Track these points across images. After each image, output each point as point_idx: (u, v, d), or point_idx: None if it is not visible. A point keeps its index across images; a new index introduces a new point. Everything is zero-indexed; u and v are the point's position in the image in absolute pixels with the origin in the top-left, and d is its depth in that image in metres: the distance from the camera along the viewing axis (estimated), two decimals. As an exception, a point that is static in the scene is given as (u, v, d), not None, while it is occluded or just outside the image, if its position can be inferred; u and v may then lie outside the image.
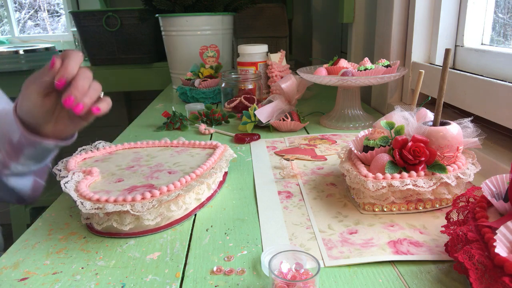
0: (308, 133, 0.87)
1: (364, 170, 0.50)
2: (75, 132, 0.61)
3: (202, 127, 0.90)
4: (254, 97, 1.02)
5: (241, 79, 1.04)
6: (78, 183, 0.51)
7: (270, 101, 0.92)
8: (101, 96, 0.54)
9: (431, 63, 0.89)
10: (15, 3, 2.38)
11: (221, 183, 0.61)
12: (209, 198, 0.57)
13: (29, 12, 2.43)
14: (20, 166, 0.61)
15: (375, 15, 1.03)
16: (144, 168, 0.58)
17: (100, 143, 0.67)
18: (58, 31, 2.46)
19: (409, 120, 0.54)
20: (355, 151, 0.55)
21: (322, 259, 0.42)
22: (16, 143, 0.58)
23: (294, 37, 2.21)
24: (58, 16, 2.45)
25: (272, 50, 1.17)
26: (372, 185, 0.48)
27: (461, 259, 0.34)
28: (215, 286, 0.39)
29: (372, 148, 0.53)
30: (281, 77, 1.07)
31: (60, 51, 2.04)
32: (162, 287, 0.39)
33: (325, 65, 0.94)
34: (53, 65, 0.50)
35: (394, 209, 0.50)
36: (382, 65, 0.84)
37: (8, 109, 0.62)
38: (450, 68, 0.81)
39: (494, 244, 0.32)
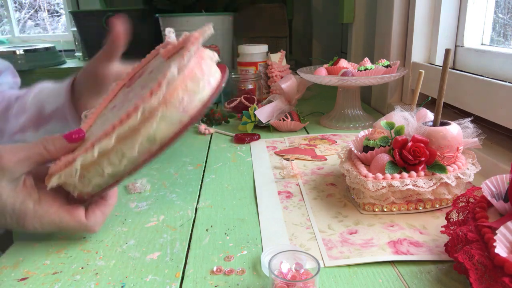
0: (308, 133, 0.87)
1: (364, 170, 0.50)
2: None
3: (202, 127, 0.90)
4: (254, 97, 1.02)
5: (241, 79, 1.04)
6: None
7: (270, 101, 0.92)
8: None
9: (431, 63, 0.89)
10: (15, 3, 2.38)
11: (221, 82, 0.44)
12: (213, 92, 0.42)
13: (29, 12, 2.44)
14: (18, 136, 0.58)
15: (375, 15, 1.03)
16: (116, 109, 0.47)
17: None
18: (58, 31, 2.46)
19: (409, 120, 0.54)
20: (355, 151, 0.55)
21: (322, 259, 0.42)
22: (47, 114, 0.57)
23: (294, 37, 2.20)
24: (58, 16, 2.46)
25: (272, 50, 1.16)
26: (372, 185, 0.48)
27: (461, 259, 0.34)
28: (215, 286, 0.39)
29: (372, 148, 0.53)
30: (281, 77, 1.07)
31: (60, 51, 2.03)
32: (162, 287, 0.39)
33: (325, 65, 0.94)
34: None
35: (394, 209, 0.50)
36: (382, 65, 0.84)
37: (46, 86, 0.62)
38: (450, 68, 0.81)
39: (494, 244, 0.32)
